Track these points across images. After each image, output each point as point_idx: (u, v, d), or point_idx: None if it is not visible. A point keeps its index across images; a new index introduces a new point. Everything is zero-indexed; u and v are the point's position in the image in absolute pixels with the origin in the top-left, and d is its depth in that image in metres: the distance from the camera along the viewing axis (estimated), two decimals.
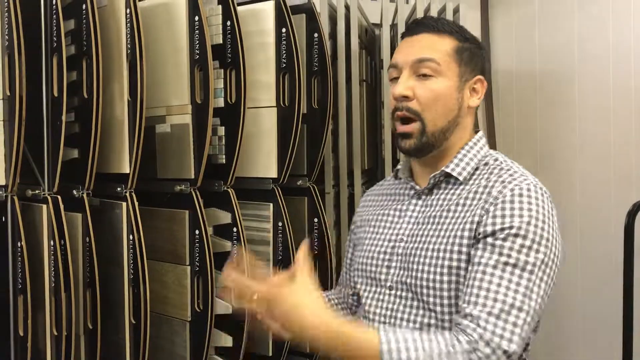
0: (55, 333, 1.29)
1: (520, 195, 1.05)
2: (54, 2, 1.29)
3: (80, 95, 1.35)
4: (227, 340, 1.54)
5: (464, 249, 1.07)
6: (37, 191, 1.31)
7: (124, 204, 1.37)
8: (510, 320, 0.98)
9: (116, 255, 1.39)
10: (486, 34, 2.78)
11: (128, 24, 1.36)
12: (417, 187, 1.19)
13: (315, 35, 1.70)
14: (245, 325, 1.52)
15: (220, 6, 1.54)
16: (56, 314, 1.29)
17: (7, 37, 1.23)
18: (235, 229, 1.53)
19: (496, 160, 1.16)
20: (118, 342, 1.38)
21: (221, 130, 1.55)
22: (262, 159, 1.60)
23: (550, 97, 2.52)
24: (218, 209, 1.56)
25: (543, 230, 1.04)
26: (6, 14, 1.23)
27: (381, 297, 1.16)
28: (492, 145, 2.74)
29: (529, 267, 1.01)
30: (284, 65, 1.60)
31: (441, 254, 1.08)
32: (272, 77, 1.59)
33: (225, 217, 1.55)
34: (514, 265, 1.01)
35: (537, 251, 1.03)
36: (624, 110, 2.19)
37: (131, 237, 1.37)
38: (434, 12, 1.99)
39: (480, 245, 1.04)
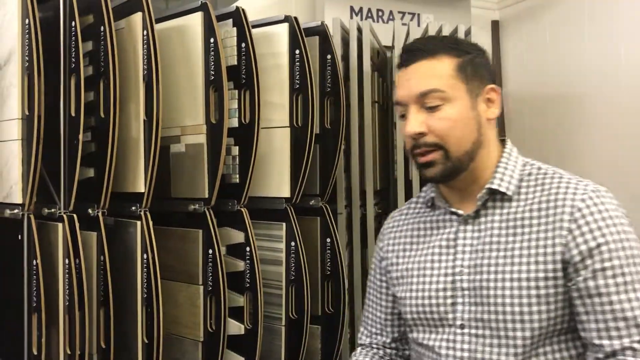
0: (69, 352, 1.29)
1: (595, 204, 1.01)
2: (73, 24, 1.32)
3: (97, 115, 1.37)
4: None
5: (550, 275, 1.00)
6: (53, 210, 1.32)
7: (139, 223, 1.38)
8: None
9: (130, 274, 1.39)
10: (497, 56, 2.80)
11: (145, 46, 1.39)
12: (461, 212, 1.09)
13: (328, 57, 1.72)
14: (258, 345, 1.51)
15: (235, 28, 1.56)
16: (70, 332, 1.29)
17: (27, 57, 1.26)
18: (248, 249, 1.53)
19: (539, 169, 1.09)
20: None
21: (235, 150, 1.56)
22: (275, 178, 1.61)
23: (562, 119, 2.52)
24: (231, 228, 1.56)
25: (629, 232, 1.01)
26: (27, 35, 1.26)
27: (452, 337, 1.06)
28: None
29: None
30: (297, 86, 1.61)
31: (524, 284, 1.00)
32: (286, 98, 1.60)
33: (238, 237, 1.55)
34: (632, 282, 0.97)
35: (637, 255, 0.99)
36: (635, 132, 2.19)
37: (145, 256, 1.37)
38: (445, 35, 2.01)
39: (588, 274, 0.98)
